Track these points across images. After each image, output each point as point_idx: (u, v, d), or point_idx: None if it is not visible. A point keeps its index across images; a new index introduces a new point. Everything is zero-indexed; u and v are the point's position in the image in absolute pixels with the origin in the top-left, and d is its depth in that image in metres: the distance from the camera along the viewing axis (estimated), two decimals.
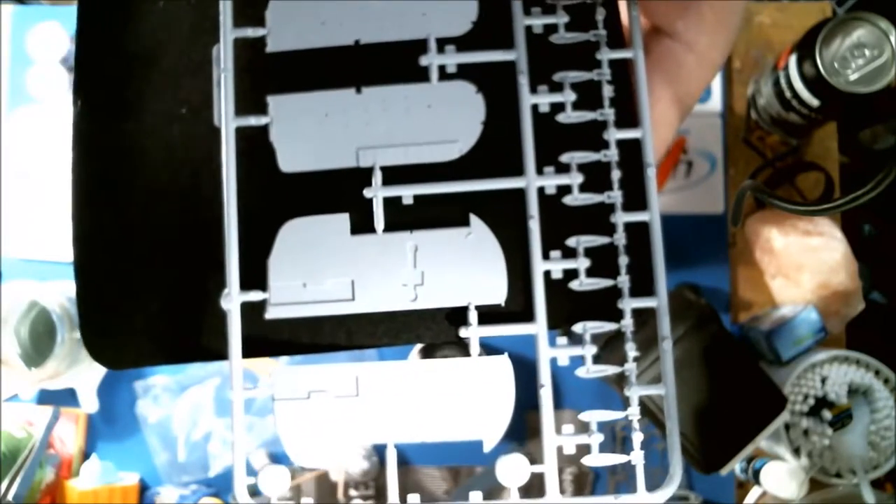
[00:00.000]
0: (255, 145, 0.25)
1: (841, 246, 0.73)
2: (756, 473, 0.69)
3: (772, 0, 0.80)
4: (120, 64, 0.27)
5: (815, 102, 0.66)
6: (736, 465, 0.72)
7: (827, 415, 0.66)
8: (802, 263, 0.73)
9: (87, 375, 0.73)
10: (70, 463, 0.74)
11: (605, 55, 0.25)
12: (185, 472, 0.74)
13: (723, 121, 0.78)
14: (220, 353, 0.24)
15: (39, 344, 0.70)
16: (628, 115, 0.25)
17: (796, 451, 0.67)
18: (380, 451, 0.73)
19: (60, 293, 0.68)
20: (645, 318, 0.25)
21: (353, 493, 0.74)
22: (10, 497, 0.64)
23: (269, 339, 0.25)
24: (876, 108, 0.82)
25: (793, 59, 0.66)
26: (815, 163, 0.77)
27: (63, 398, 0.74)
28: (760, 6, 0.80)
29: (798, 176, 0.77)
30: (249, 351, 0.24)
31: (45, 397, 0.74)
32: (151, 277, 0.26)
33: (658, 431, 0.60)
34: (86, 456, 0.75)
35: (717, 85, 0.78)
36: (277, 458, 0.74)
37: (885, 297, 0.97)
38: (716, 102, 0.78)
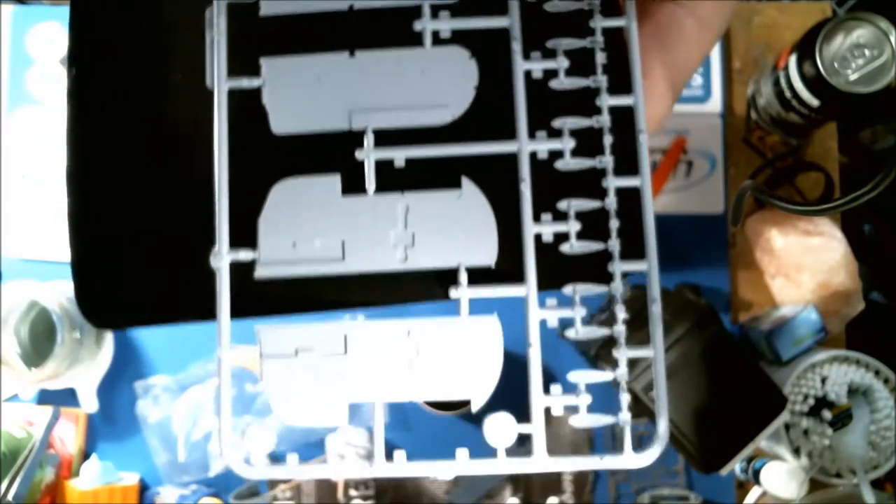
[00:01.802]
0: (247, 108, 0.25)
1: (841, 246, 0.73)
2: (756, 473, 0.69)
3: (772, 0, 0.80)
4: (114, 28, 0.27)
5: (815, 102, 0.66)
6: (736, 465, 0.72)
7: (827, 415, 0.66)
8: (802, 263, 0.73)
9: (87, 375, 0.73)
10: (70, 463, 0.74)
11: (599, 23, 0.25)
12: (185, 472, 0.74)
13: (723, 121, 0.78)
14: (212, 313, 0.24)
15: (39, 344, 0.70)
16: (623, 82, 0.25)
17: (796, 451, 0.67)
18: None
19: (60, 293, 0.68)
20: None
21: (353, 493, 0.74)
22: (10, 497, 0.64)
23: (259, 299, 0.25)
24: (876, 108, 0.82)
25: (793, 59, 0.66)
26: (815, 163, 0.77)
27: (63, 398, 0.74)
28: (760, 6, 0.80)
29: (798, 176, 0.77)
30: (239, 311, 0.24)
31: (45, 397, 0.74)
32: (143, 238, 0.26)
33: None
34: (86, 456, 0.75)
35: (717, 85, 0.78)
36: (278, 458, 0.74)
37: (885, 297, 0.97)
38: (716, 102, 0.78)
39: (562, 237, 0.24)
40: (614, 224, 0.24)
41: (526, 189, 0.24)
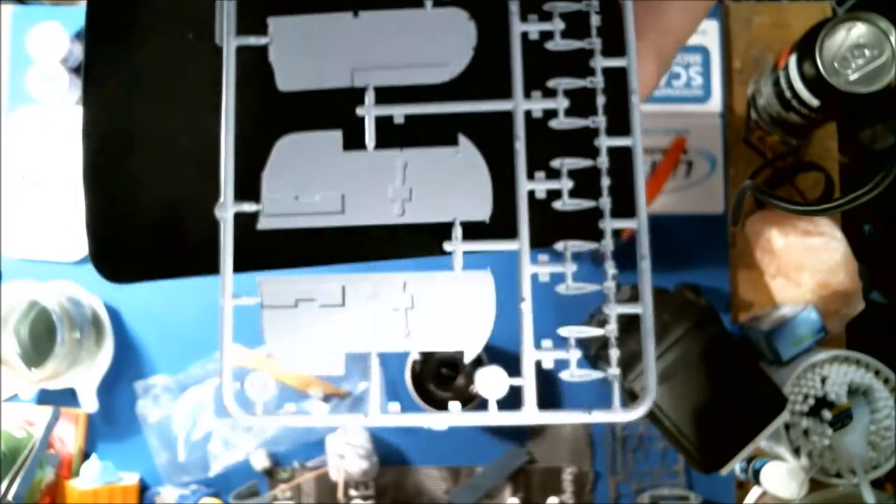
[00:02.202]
0: (254, 66, 0.26)
1: (841, 246, 0.73)
2: (756, 473, 0.69)
3: (772, 0, 0.80)
4: (128, 4, 0.28)
5: (815, 102, 0.66)
6: (736, 465, 0.72)
7: (827, 415, 0.66)
8: (802, 263, 0.73)
9: (87, 375, 0.73)
10: (70, 463, 0.74)
11: None
12: (185, 472, 0.74)
13: (723, 121, 0.78)
14: (216, 266, 0.25)
15: (39, 344, 0.70)
16: (617, 46, 0.26)
17: (796, 451, 0.67)
18: (379, 450, 0.73)
19: (60, 293, 0.68)
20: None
21: (353, 493, 0.74)
22: (10, 497, 0.64)
23: (261, 252, 0.26)
24: (876, 108, 0.82)
25: (793, 59, 0.66)
26: (815, 163, 0.77)
27: (63, 398, 0.74)
28: (760, 6, 0.80)
29: (798, 176, 0.77)
30: (242, 263, 0.25)
31: (45, 397, 0.74)
32: (153, 194, 0.27)
33: (658, 431, 0.60)
34: (86, 456, 0.75)
35: (717, 85, 0.78)
36: (278, 458, 0.74)
37: (885, 297, 0.97)
38: (716, 102, 0.78)
39: (554, 194, 0.25)
40: (605, 182, 0.25)
41: (521, 146, 0.25)
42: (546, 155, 0.25)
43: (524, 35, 0.26)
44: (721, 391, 0.59)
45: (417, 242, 0.26)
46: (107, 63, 0.28)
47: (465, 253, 0.25)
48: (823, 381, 0.68)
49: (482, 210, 0.25)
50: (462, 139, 0.26)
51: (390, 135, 0.26)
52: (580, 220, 0.25)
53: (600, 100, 0.25)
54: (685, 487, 0.74)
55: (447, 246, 0.25)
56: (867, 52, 0.63)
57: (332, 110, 0.26)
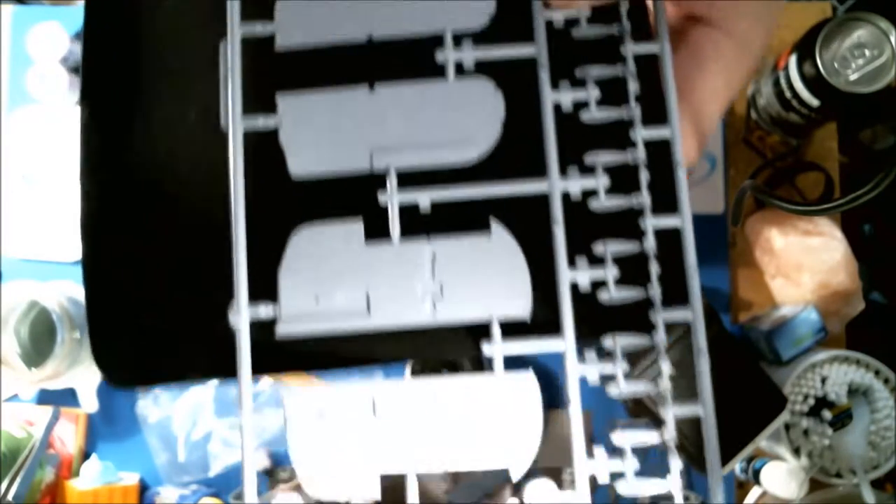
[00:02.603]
0: (264, 148, 0.24)
1: (841, 246, 0.73)
2: (756, 473, 0.69)
3: None
4: (126, 67, 0.26)
5: (815, 102, 0.66)
6: (736, 465, 0.72)
7: (827, 415, 0.66)
8: (802, 263, 0.73)
9: (87, 375, 0.73)
10: (70, 463, 0.74)
11: (630, 49, 0.24)
12: (185, 472, 0.74)
13: (723, 121, 0.78)
14: (232, 371, 0.22)
15: (39, 344, 0.70)
16: (658, 112, 0.23)
17: (796, 451, 0.67)
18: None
19: (60, 293, 0.68)
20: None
21: None
22: (10, 497, 0.64)
23: (281, 354, 0.23)
24: (876, 108, 0.82)
25: (793, 59, 0.66)
26: (815, 163, 0.77)
27: (63, 398, 0.74)
28: None
29: (798, 176, 0.77)
30: (260, 367, 0.23)
31: (45, 397, 0.74)
32: (160, 293, 0.25)
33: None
34: (86, 456, 0.75)
35: None
36: (278, 458, 0.74)
37: (885, 297, 0.97)
38: None
39: (598, 283, 0.23)
40: (654, 269, 0.23)
41: (560, 232, 0.23)
42: (586, 237, 0.23)
43: (556, 105, 0.23)
44: (721, 391, 0.59)
45: (452, 342, 0.23)
46: (104, 151, 0.25)
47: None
48: (823, 381, 0.68)
49: (521, 306, 0.23)
50: (494, 225, 0.23)
51: (415, 219, 0.23)
52: (628, 310, 0.23)
53: (643, 176, 0.23)
54: (685, 487, 0.74)
55: (486, 349, 0.23)
56: (867, 52, 0.63)
57: (351, 196, 0.23)
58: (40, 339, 0.70)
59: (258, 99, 0.24)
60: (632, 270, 0.23)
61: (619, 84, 0.23)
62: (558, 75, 0.24)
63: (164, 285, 0.25)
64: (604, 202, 0.23)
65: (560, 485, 0.72)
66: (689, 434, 0.62)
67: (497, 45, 0.24)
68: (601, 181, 0.23)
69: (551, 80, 0.23)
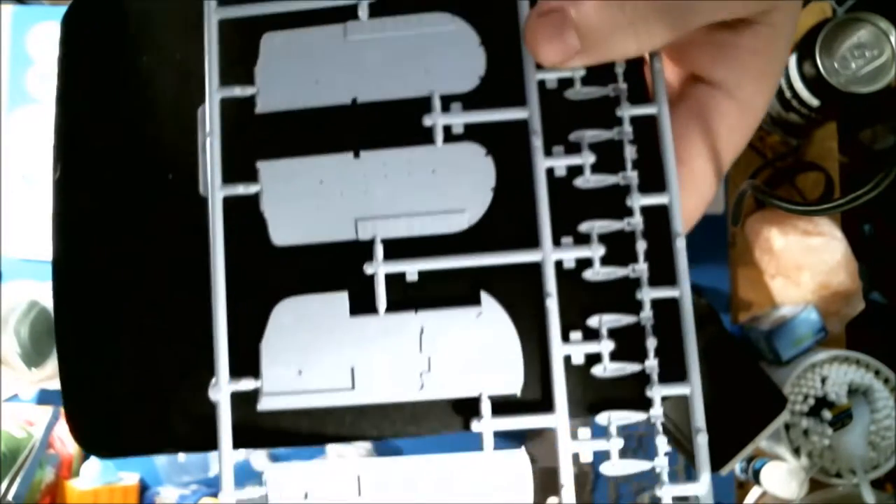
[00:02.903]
0: (244, 215, 0.23)
1: (841, 246, 0.73)
2: (756, 473, 0.69)
3: None
4: (102, 128, 0.25)
5: (815, 102, 0.66)
6: (736, 465, 0.72)
7: (827, 415, 0.66)
8: (802, 263, 0.73)
9: None
10: (70, 463, 0.74)
11: (627, 111, 0.22)
12: (185, 472, 0.74)
13: None
14: (213, 444, 0.22)
15: (39, 344, 0.70)
16: (657, 176, 0.22)
17: (796, 451, 0.67)
18: (378, 446, 0.73)
19: None
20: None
21: None
22: (10, 497, 0.64)
23: (263, 428, 0.22)
24: (876, 108, 0.82)
25: (793, 59, 0.66)
26: (815, 163, 0.77)
27: None
28: None
29: (798, 176, 0.77)
30: (242, 441, 0.22)
31: (45, 397, 0.74)
32: (137, 362, 0.23)
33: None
34: (86, 456, 0.75)
35: None
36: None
37: (885, 297, 0.97)
38: None
39: (593, 357, 0.22)
40: (651, 343, 0.22)
41: (552, 305, 0.22)
42: (581, 309, 0.22)
43: (549, 172, 0.22)
44: (721, 391, 0.59)
45: (439, 419, 0.22)
46: (78, 214, 0.24)
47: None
48: (823, 381, 0.68)
49: (512, 382, 0.22)
50: (484, 297, 0.22)
51: (402, 292, 0.22)
52: (623, 385, 0.22)
53: (640, 245, 0.22)
54: None
55: (475, 427, 0.22)
56: (867, 52, 0.63)
57: (335, 265, 0.23)
58: (40, 339, 0.70)
59: (238, 164, 0.23)
60: (630, 345, 0.22)
61: (615, 145, 0.22)
62: (552, 139, 0.23)
63: (142, 358, 0.24)
64: (599, 272, 0.22)
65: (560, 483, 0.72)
66: (689, 434, 0.62)
67: (487, 108, 0.23)
68: (596, 250, 0.22)
69: (544, 143, 0.22)
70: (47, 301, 0.67)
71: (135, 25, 0.25)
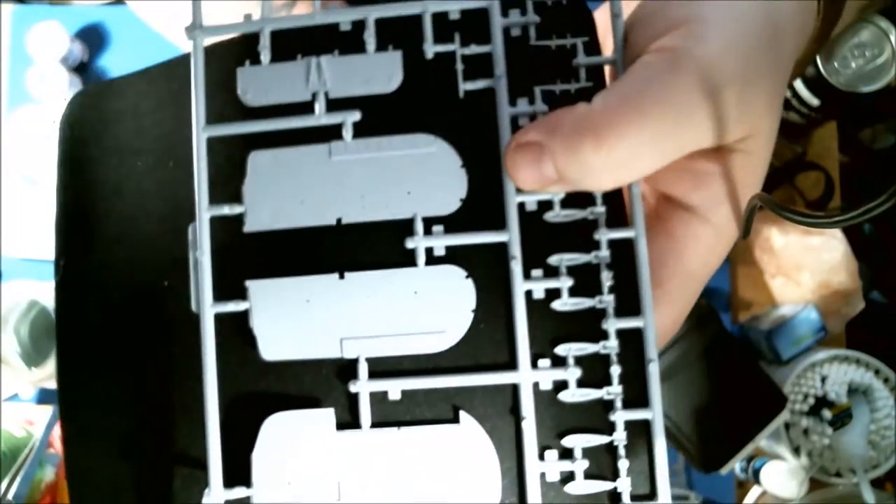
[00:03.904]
0: (235, 330, 0.24)
1: (841, 246, 0.73)
2: (756, 473, 0.69)
3: None
4: (97, 233, 0.26)
5: (815, 102, 0.66)
6: (736, 465, 0.72)
7: (827, 414, 0.66)
8: (802, 263, 0.73)
9: None
10: None
11: (604, 236, 0.23)
12: None
13: None
14: None
15: (39, 344, 0.70)
16: (632, 300, 0.23)
17: (796, 451, 0.67)
18: None
19: None
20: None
21: None
22: (10, 497, 0.64)
23: None
24: (876, 108, 0.82)
25: None
26: (815, 163, 0.77)
27: None
28: None
29: (798, 176, 0.77)
30: None
31: (45, 397, 0.74)
32: (136, 476, 0.25)
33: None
34: None
35: None
36: None
37: (885, 297, 0.97)
38: None
39: (567, 473, 0.23)
40: (623, 465, 0.23)
41: (529, 427, 0.23)
42: (558, 428, 0.23)
43: (528, 293, 0.23)
44: (721, 391, 0.59)
45: None
46: (79, 308, 0.26)
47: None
48: (823, 380, 0.68)
49: (490, 496, 0.23)
50: (463, 416, 0.23)
51: (386, 408, 0.23)
52: (596, 499, 0.23)
53: (615, 370, 0.23)
54: (685, 487, 0.74)
55: None
56: (867, 51, 0.63)
57: (322, 382, 0.24)
58: (40, 339, 0.70)
59: (228, 281, 0.24)
60: (601, 462, 0.23)
61: (593, 267, 0.23)
62: (531, 261, 0.23)
63: (139, 470, 0.25)
64: (575, 393, 0.23)
65: None
66: (689, 433, 0.62)
67: (468, 231, 0.23)
68: (572, 373, 0.23)
69: (524, 265, 0.23)
70: (47, 300, 0.67)
71: (130, 130, 0.26)
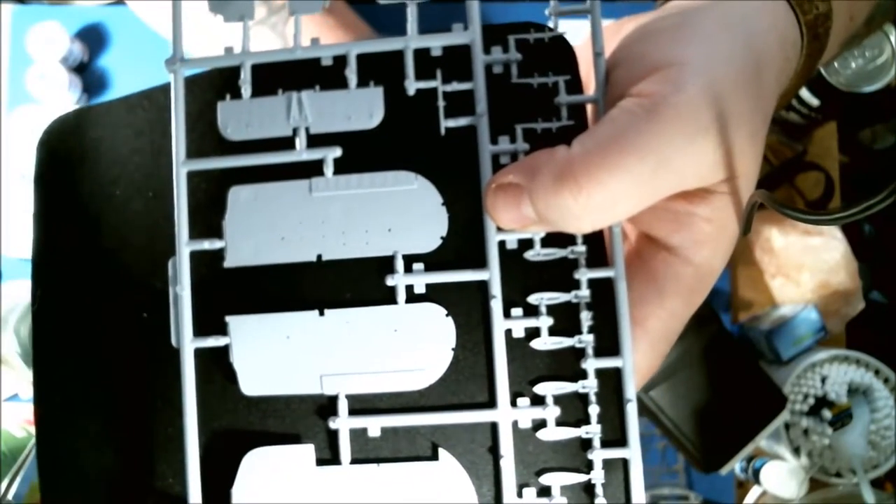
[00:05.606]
0: (215, 365, 0.24)
1: (841, 246, 0.73)
2: (756, 473, 0.69)
3: None
4: (74, 263, 0.26)
5: (815, 102, 0.67)
6: (736, 465, 0.72)
7: (827, 414, 0.66)
8: (802, 263, 0.73)
9: None
10: None
11: (584, 275, 0.23)
12: None
13: None
14: None
15: None
16: (612, 339, 0.23)
17: (796, 451, 0.67)
18: None
19: None
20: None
21: None
22: (10, 497, 0.64)
23: None
24: (876, 108, 0.82)
25: None
26: (815, 163, 0.77)
27: None
28: None
29: (798, 176, 0.77)
30: None
31: None
32: None
33: (658, 430, 0.60)
34: None
35: None
36: None
37: (885, 297, 0.97)
38: None
39: None
40: (600, 502, 0.23)
41: (507, 465, 0.23)
42: (536, 465, 0.23)
43: (507, 332, 0.23)
44: (721, 391, 0.59)
45: None
46: (56, 382, 0.25)
47: None
48: (823, 380, 0.68)
49: None
50: (443, 453, 0.23)
51: (365, 444, 0.23)
52: None
53: (594, 409, 0.23)
54: (685, 487, 0.74)
55: None
56: (867, 51, 0.63)
57: (301, 418, 0.24)
58: None
59: (208, 316, 0.24)
60: (579, 501, 0.23)
61: (573, 306, 0.23)
62: (511, 296, 0.23)
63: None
64: (553, 432, 0.23)
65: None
66: (690, 434, 0.62)
67: (448, 269, 0.23)
68: (551, 412, 0.23)
69: (504, 303, 0.23)
70: None
71: (109, 159, 0.26)
